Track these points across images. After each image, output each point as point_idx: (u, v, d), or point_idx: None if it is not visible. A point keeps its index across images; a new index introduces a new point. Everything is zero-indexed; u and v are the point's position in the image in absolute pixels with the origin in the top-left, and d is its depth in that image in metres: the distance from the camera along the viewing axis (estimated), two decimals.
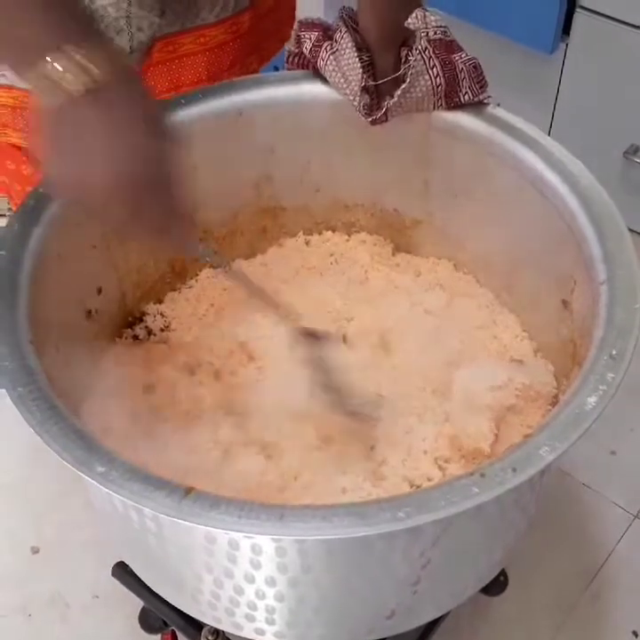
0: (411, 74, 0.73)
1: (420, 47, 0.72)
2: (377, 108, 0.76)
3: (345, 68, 0.75)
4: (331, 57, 0.75)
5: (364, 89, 0.75)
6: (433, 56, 0.72)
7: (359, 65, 0.74)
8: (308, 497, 0.68)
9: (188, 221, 0.62)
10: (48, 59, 0.54)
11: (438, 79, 0.73)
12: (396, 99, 0.74)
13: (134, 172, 0.56)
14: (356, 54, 0.73)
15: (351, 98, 0.76)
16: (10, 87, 0.76)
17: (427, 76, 0.73)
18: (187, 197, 0.60)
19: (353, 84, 0.75)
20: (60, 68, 0.54)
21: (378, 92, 0.76)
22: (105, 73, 0.54)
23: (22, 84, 0.74)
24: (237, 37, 0.84)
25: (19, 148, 0.82)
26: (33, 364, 0.60)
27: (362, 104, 0.75)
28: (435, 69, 0.72)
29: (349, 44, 0.74)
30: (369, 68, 0.75)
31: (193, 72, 0.83)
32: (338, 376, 0.72)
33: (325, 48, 0.76)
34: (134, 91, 0.57)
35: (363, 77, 0.74)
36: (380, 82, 0.75)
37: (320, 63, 0.77)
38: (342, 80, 0.75)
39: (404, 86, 0.73)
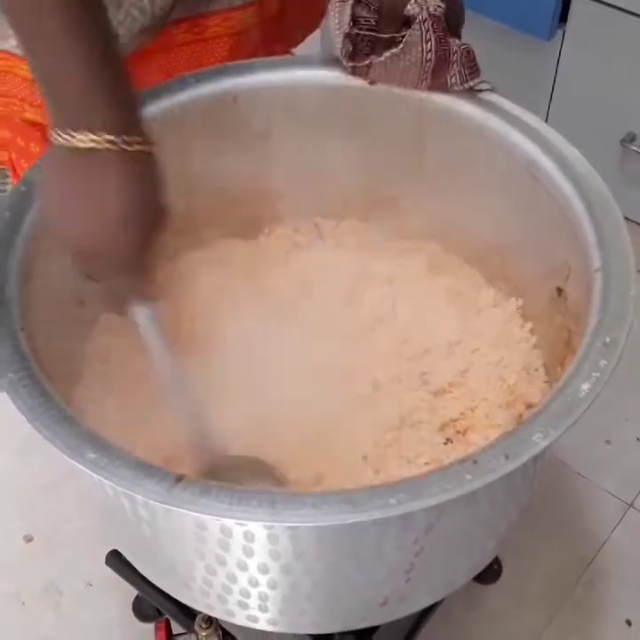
0: (405, 41, 0.72)
1: (420, 18, 0.71)
2: (361, 60, 0.75)
3: (345, 16, 0.74)
4: (338, 3, 0.75)
5: (348, 36, 0.74)
6: (431, 29, 0.72)
7: (349, 13, 0.73)
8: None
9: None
10: (84, 134, 0.54)
11: (429, 54, 0.72)
12: (382, 58, 0.74)
13: (135, 229, 0.57)
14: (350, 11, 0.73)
15: (338, 45, 0.75)
16: None
17: (419, 48, 0.72)
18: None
19: (344, 28, 0.74)
20: (91, 142, 0.54)
21: (365, 51, 0.75)
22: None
23: None
24: (263, 21, 0.83)
25: (33, 124, 0.81)
26: (24, 350, 0.60)
27: (344, 50, 0.75)
28: (429, 44, 0.72)
29: None
30: (367, 28, 0.74)
31: (216, 55, 0.82)
32: None
33: None
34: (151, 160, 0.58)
35: (349, 25, 0.74)
36: (364, 32, 0.74)
37: (329, 7, 0.76)
38: (337, 23, 0.75)
39: (394, 50, 0.73)
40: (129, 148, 0.55)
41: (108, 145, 0.54)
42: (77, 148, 0.54)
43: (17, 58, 0.76)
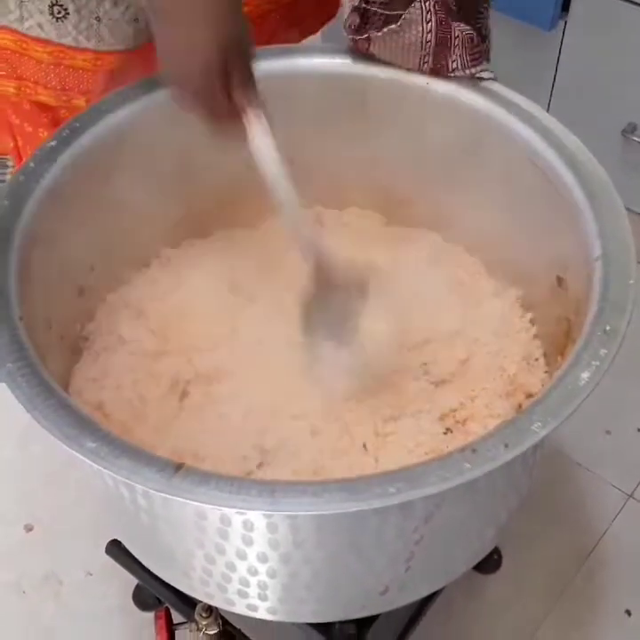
0: (403, 18, 0.73)
1: None
2: (361, 34, 0.76)
3: None
4: None
5: (356, 10, 0.75)
6: (432, 11, 0.71)
7: None
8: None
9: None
10: None
11: (429, 35, 0.73)
12: (380, 34, 0.74)
13: (223, 52, 0.62)
14: None
15: (345, 16, 0.76)
16: (46, 41, 0.76)
17: (419, 28, 0.72)
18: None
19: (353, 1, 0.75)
20: None
21: (377, 25, 0.76)
22: None
23: (60, 38, 0.75)
24: (279, 7, 0.83)
25: (44, 108, 0.81)
26: (23, 340, 0.60)
27: (348, 22, 0.76)
28: (429, 25, 0.72)
29: None
30: (379, 2, 0.74)
31: None
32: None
33: None
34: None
35: None
36: (374, 8, 0.75)
37: None
38: None
39: (392, 27, 0.73)
40: None
41: None
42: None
43: (31, 39, 0.76)
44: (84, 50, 0.77)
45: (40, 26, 0.75)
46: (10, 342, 0.59)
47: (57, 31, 0.75)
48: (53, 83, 0.78)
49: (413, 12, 0.72)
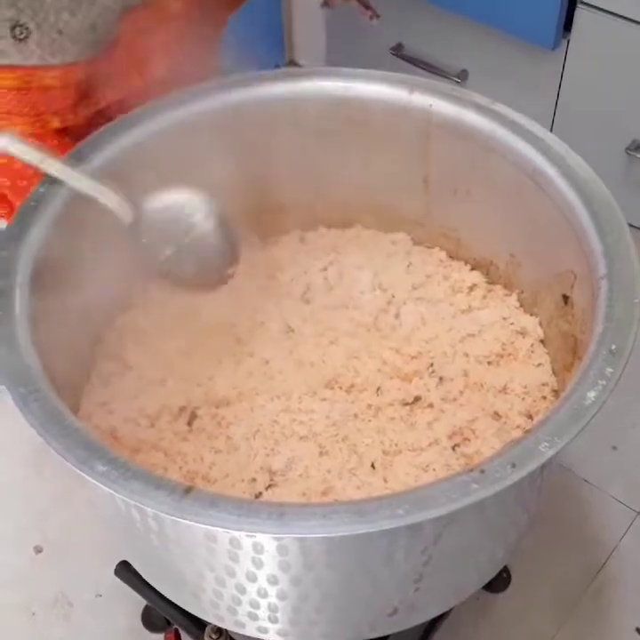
0: None
1: None
2: None
3: None
4: None
5: None
6: None
7: None
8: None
9: None
10: None
11: None
12: None
13: None
14: None
15: None
16: (12, 67, 0.74)
17: None
18: None
19: None
20: None
21: None
22: None
23: (25, 60, 0.74)
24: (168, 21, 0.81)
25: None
26: (34, 364, 0.60)
27: None
28: None
29: None
30: None
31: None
32: None
33: None
34: None
35: None
36: None
37: None
38: None
39: None
40: None
41: None
42: None
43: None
44: (53, 67, 0.75)
45: (3, 52, 0.74)
46: (23, 367, 0.59)
47: (21, 54, 0.74)
48: (26, 109, 0.77)
49: None
